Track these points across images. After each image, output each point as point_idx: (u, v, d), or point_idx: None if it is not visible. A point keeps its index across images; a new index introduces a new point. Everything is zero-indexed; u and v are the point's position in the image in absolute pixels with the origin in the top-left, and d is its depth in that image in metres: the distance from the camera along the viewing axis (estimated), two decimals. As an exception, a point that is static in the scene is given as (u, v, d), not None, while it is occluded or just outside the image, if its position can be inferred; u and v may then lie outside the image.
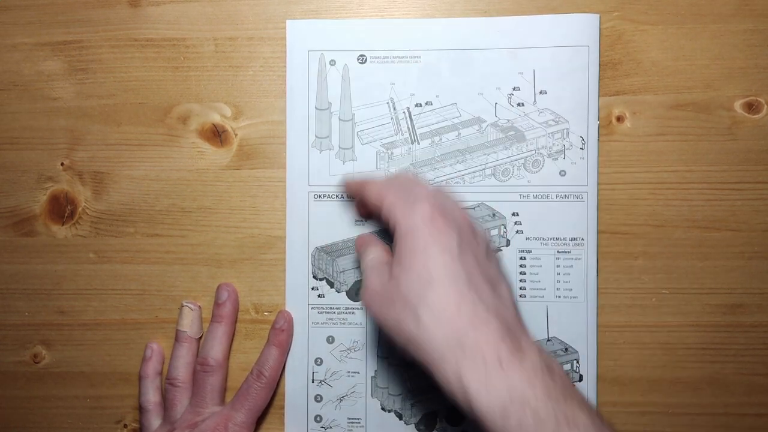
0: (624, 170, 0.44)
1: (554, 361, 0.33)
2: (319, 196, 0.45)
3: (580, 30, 0.44)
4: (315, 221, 0.45)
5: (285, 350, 0.45)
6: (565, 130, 0.44)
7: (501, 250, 0.44)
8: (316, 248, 0.45)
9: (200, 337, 0.46)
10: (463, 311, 0.33)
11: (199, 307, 0.46)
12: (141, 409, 0.45)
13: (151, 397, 0.45)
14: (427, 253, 0.34)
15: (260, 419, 0.45)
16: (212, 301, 0.46)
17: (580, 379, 0.44)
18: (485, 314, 0.33)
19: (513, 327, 0.33)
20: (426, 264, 0.34)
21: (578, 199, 0.44)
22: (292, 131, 0.45)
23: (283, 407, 0.46)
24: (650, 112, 0.44)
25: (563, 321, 0.44)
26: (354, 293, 0.45)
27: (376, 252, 0.40)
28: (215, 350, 0.44)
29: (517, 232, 0.44)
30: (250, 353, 0.46)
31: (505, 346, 0.32)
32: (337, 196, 0.45)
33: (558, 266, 0.44)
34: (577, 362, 0.44)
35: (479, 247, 0.36)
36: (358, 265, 0.44)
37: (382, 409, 0.45)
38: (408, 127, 0.45)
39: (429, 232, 0.35)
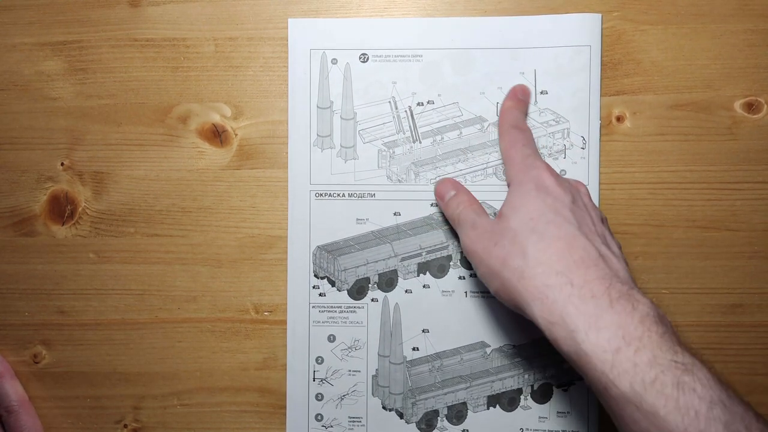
0: (624, 170, 0.45)
1: (665, 317, 0.31)
2: (321, 195, 0.45)
3: (581, 30, 0.44)
4: (316, 220, 0.45)
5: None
6: (565, 130, 0.44)
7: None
8: (318, 247, 0.45)
9: None
10: (574, 249, 0.33)
11: None
12: None
13: None
14: (540, 197, 0.36)
15: (260, 419, 0.45)
16: (212, 301, 0.46)
17: (581, 378, 0.44)
18: (596, 258, 0.33)
19: (624, 279, 0.33)
20: (539, 206, 0.35)
21: (579, 199, 0.44)
22: (294, 129, 0.45)
23: (284, 406, 0.46)
24: (650, 112, 0.44)
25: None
26: (355, 292, 0.45)
27: (466, 195, 0.41)
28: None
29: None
30: (250, 353, 0.46)
31: (615, 290, 0.31)
32: (338, 194, 0.45)
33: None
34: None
35: (590, 210, 0.38)
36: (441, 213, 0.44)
37: (383, 407, 0.45)
38: (410, 126, 0.45)
39: (545, 185, 0.37)
